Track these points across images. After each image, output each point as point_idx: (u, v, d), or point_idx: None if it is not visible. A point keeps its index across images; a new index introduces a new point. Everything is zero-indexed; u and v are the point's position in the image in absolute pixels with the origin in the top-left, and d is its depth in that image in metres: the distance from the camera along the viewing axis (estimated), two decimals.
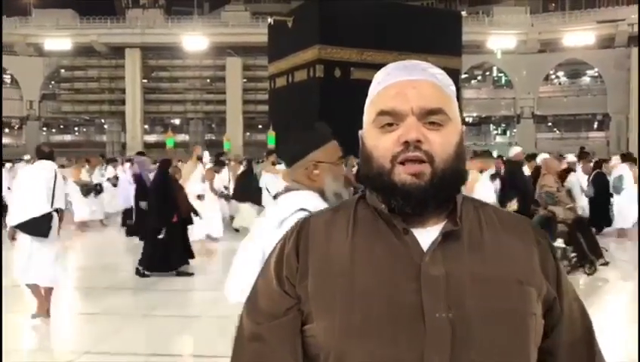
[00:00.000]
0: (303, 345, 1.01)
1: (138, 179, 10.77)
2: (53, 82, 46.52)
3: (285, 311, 1.02)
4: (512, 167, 8.60)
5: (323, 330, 0.97)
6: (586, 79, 46.75)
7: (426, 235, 1.00)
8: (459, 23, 28.60)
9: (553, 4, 46.16)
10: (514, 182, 8.01)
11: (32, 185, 5.49)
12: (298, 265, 1.03)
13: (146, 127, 47.74)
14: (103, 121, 48.33)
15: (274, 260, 1.07)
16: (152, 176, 11.21)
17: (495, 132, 48.79)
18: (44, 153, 5.90)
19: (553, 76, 46.84)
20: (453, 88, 1.08)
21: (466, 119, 42.78)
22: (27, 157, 16.83)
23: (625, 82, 41.28)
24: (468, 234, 1.01)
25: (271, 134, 24.55)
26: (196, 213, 8.83)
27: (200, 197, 9.83)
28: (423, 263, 0.96)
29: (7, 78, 45.88)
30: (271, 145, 23.74)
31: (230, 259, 2.31)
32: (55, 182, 5.69)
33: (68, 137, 48.67)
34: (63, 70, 45.78)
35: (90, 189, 12.38)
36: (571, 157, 11.77)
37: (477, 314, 0.94)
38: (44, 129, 47.69)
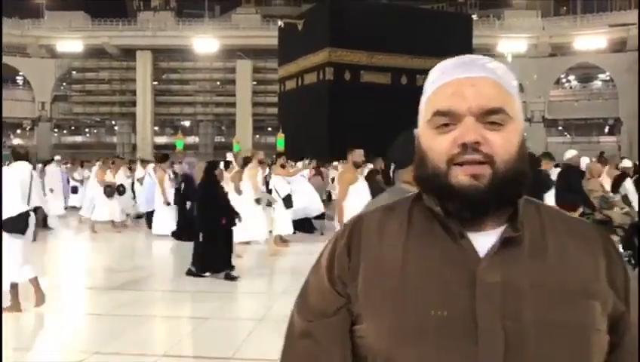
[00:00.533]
0: (352, 346, 0.99)
1: (187, 179, 10.92)
2: (64, 84, 46.82)
3: (335, 311, 1.00)
4: (568, 171, 8.28)
5: (372, 333, 0.95)
6: (597, 83, 46.51)
7: (484, 240, 0.94)
8: (469, 27, 28.63)
9: (565, 8, 45.95)
10: (571, 185, 7.78)
11: (7, 186, 5.66)
12: (349, 264, 1.00)
13: (156, 128, 47.93)
14: (113, 122, 48.59)
15: (326, 258, 1.05)
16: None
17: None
18: (19, 155, 6.28)
19: (564, 80, 46.62)
20: (515, 83, 1.02)
21: None
22: (58, 157, 16.88)
23: (636, 86, 41.01)
24: (529, 240, 0.96)
25: (280, 137, 24.63)
26: (239, 217, 8.79)
27: (258, 201, 9.67)
28: (479, 269, 0.92)
29: (19, 80, 46.29)
30: (280, 147, 23.79)
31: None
32: (31, 182, 6.03)
33: (79, 138, 48.99)
34: (74, 72, 46.06)
35: (114, 190, 12.45)
36: (627, 163, 11.54)
37: (534, 325, 0.89)
38: (56, 130, 48.00)
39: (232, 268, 7.85)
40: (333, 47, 24.39)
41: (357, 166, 7.18)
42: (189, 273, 7.84)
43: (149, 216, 12.88)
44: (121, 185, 12.99)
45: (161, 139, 47.24)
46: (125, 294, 6.96)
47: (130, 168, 16.55)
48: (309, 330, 1.02)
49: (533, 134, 43.57)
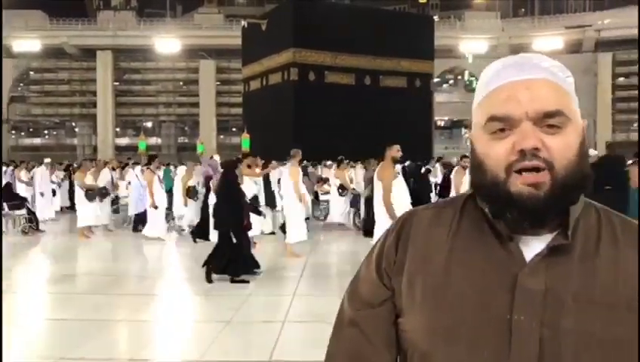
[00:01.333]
0: (397, 338, 1.02)
1: (208, 181, 10.86)
2: (22, 84, 45.69)
3: (381, 302, 1.02)
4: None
5: (411, 327, 0.97)
6: None
7: (533, 245, 0.92)
8: (431, 28, 28.98)
9: (523, 9, 46.99)
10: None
11: None
12: (396, 258, 1.01)
13: (118, 130, 47.17)
14: (73, 124, 47.60)
15: (377, 251, 1.06)
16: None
17: (466, 135, 49.36)
18: None
19: None
20: (571, 80, 0.99)
21: (438, 123, 43.24)
22: (47, 160, 16.31)
23: (592, 87, 42.20)
24: (582, 247, 0.92)
25: (245, 137, 24.53)
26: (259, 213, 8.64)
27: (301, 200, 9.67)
28: (521, 274, 0.90)
29: None
30: (245, 148, 23.69)
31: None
32: None
33: (37, 141, 47.81)
34: (32, 72, 45.03)
35: (96, 194, 11.96)
36: (592, 152, 11.92)
37: (572, 336, 0.86)
38: (13, 132, 46.80)
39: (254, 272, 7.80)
40: (297, 48, 24.41)
41: (395, 161, 7.27)
42: (209, 277, 7.54)
43: (137, 219, 12.58)
44: (104, 187, 12.57)
45: (123, 141, 46.54)
46: (91, 299, 6.86)
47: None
48: (356, 319, 1.05)
49: None
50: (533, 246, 0.91)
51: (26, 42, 42.41)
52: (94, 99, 44.73)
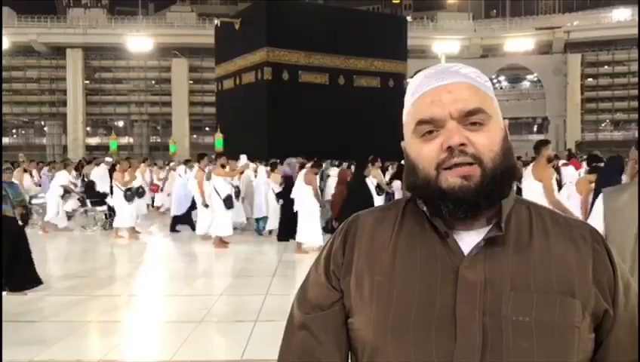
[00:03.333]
0: (348, 338, 1.05)
1: (288, 180, 10.92)
2: (1, 82, 44.78)
3: (330, 304, 1.05)
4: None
5: (360, 324, 1.00)
6: (526, 84, 48.41)
7: (471, 239, 0.97)
8: (404, 28, 29.13)
9: (494, 11, 47.59)
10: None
11: None
12: (344, 260, 1.05)
13: (89, 129, 46.54)
14: (43, 123, 46.80)
15: (324, 254, 1.10)
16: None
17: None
18: None
19: (495, 81, 48.23)
20: (489, 84, 1.05)
21: None
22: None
23: (562, 87, 42.95)
24: (515, 239, 0.98)
25: (219, 137, 24.36)
26: None
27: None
28: (462, 267, 0.95)
29: None
30: (219, 147, 23.53)
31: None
32: None
33: (5, 140, 46.82)
34: None
35: (134, 193, 11.65)
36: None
37: (511, 323, 0.91)
38: None
39: None
40: (270, 47, 24.31)
41: (549, 160, 7.23)
42: None
43: (177, 219, 12.36)
44: (140, 187, 12.30)
45: (94, 140, 45.96)
46: (59, 300, 6.74)
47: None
48: (306, 322, 1.07)
49: None
50: (470, 241, 0.97)
51: None
52: (64, 97, 44.02)
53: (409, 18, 35.09)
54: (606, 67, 44.42)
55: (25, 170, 13.40)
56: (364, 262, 1.02)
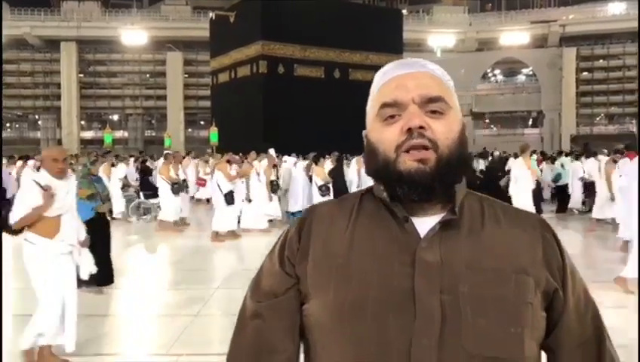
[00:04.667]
0: (301, 325, 1.05)
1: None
2: (1, 78, 44.53)
3: (285, 291, 1.06)
4: None
5: (317, 308, 1.01)
6: (521, 77, 48.42)
7: (426, 224, 1.01)
8: (400, 22, 29.08)
9: (490, 4, 47.55)
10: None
11: None
12: (299, 246, 1.06)
13: (83, 123, 46.37)
14: (37, 117, 46.59)
15: (279, 244, 1.11)
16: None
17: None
18: None
19: (490, 74, 48.28)
20: (452, 84, 1.10)
21: None
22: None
23: (557, 81, 42.99)
24: (468, 224, 1.03)
25: (214, 131, 24.26)
26: None
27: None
28: (419, 249, 0.98)
29: None
30: (214, 141, 23.47)
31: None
32: None
33: None
34: None
35: (181, 187, 11.62)
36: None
37: (469, 299, 0.95)
38: None
39: None
40: (266, 40, 24.25)
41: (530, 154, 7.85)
42: None
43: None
44: (184, 180, 12.30)
45: (88, 134, 45.79)
46: None
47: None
48: (258, 311, 1.08)
49: None
50: (426, 225, 1.01)
51: None
52: (58, 91, 43.81)
53: (404, 11, 34.99)
54: (601, 61, 44.46)
55: (112, 165, 13.42)
56: (322, 248, 1.04)
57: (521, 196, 9.51)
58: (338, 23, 24.72)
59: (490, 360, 0.94)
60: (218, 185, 10.40)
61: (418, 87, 1.02)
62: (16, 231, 4.36)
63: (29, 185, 4.31)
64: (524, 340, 0.96)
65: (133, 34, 41.88)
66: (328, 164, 12.71)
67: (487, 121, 48.58)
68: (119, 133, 43.74)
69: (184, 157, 15.08)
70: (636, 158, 6.96)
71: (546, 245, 1.04)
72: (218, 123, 24.43)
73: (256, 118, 23.44)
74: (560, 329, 1.03)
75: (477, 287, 0.96)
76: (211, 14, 28.69)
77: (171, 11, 44.12)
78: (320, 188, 11.40)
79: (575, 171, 13.86)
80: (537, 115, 46.01)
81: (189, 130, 45.35)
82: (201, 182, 15.07)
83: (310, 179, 12.04)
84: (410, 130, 0.98)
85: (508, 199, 10.02)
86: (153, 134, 45.68)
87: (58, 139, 43.95)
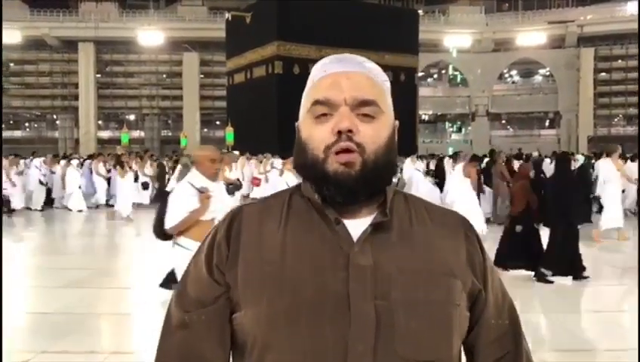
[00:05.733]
0: (231, 334, 1.02)
1: (538, 167, 10.98)
2: (2, 76, 45.00)
3: (213, 300, 1.01)
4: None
5: (250, 318, 0.97)
6: (538, 78, 48.01)
7: (358, 226, 1.00)
8: (416, 22, 29.01)
9: (507, 5, 47.19)
10: None
11: None
12: (228, 252, 1.02)
13: (100, 122, 46.74)
14: (55, 116, 47.06)
15: (205, 249, 1.06)
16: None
17: (450, 129, 49.60)
18: None
19: (507, 75, 47.92)
20: (388, 84, 1.09)
21: (422, 117, 43.36)
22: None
23: (574, 82, 42.58)
24: (398, 226, 1.03)
25: (229, 131, 24.39)
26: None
27: None
28: (352, 253, 0.97)
29: None
30: (230, 141, 23.58)
31: None
32: None
33: (18, 133, 47.09)
34: (12, 64, 44.36)
35: (237, 187, 11.58)
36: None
37: (401, 304, 0.95)
38: None
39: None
40: (281, 41, 24.33)
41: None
42: (539, 277, 7.04)
43: None
44: (238, 179, 12.37)
45: (105, 134, 46.14)
46: (72, 292, 6.80)
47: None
48: (186, 320, 1.03)
49: (477, 128, 44.72)
50: (356, 228, 1.00)
51: (6, 33, 41.71)
52: (76, 91, 44.21)
53: (420, 12, 34.91)
54: (619, 61, 43.93)
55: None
56: (252, 253, 1.00)
57: (610, 197, 9.64)
58: (354, 23, 24.70)
59: None
60: (287, 185, 10.45)
61: (352, 89, 1.01)
62: (166, 236, 4.16)
63: (184, 188, 4.09)
64: (453, 342, 0.99)
65: (150, 34, 42.18)
66: None
67: (503, 121, 48.23)
68: (136, 133, 44.07)
69: (239, 157, 15.28)
70: None
71: (468, 244, 1.06)
72: (234, 123, 24.54)
73: (271, 118, 23.52)
74: (480, 326, 1.06)
75: (409, 291, 0.96)
76: (227, 15, 28.83)
77: (188, 12, 44.35)
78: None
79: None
80: (554, 115, 45.61)
81: (205, 130, 45.54)
82: (256, 182, 15.18)
83: None
84: (339, 133, 0.98)
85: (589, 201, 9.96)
86: (169, 134, 45.95)
87: (76, 139, 44.43)
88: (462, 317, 1.01)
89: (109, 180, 16.26)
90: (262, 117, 24.09)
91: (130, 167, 14.83)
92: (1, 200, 11.67)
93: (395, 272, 0.97)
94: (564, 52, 43.01)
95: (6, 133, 46.18)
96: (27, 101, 44.75)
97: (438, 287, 0.98)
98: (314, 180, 1.02)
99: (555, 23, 42.74)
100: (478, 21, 44.44)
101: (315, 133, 1.01)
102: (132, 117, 47.40)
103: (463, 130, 48.34)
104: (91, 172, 16.38)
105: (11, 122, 48.10)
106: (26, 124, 49.09)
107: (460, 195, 9.56)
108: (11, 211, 13.89)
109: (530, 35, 42.98)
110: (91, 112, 44.20)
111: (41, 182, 15.56)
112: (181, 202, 4.03)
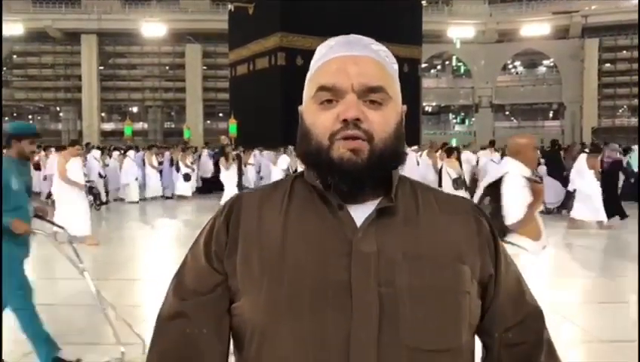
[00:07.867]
0: (231, 325, 0.99)
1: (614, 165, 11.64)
2: (5, 68, 45.04)
3: (212, 288, 0.99)
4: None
5: (249, 306, 0.95)
6: (542, 69, 47.78)
7: (361, 212, 0.98)
8: (419, 13, 28.85)
9: None
10: None
11: None
12: (227, 240, 1.00)
13: (103, 115, 46.76)
14: (58, 108, 47.11)
15: (204, 238, 1.04)
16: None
17: (454, 121, 49.43)
18: None
19: (510, 66, 47.71)
20: (396, 67, 1.07)
21: (426, 108, 43.25)
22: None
23: (579, 73, 42.39)
24: (404, 211, 1.00)
25: (232, 123, 24.35)
26: None
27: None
28: (355, 239, 0.94)
29: None
30: (233, 133, 23.56)
31: None
32: None
33: None
34: (15, 56, 44.38)
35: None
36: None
37: (406, 291, 0.92)
38: None
39: None
40: (284, 32, 24.23)
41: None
42: None
43: None
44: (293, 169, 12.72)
45: (109, 126, 46.19)
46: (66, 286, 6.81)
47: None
48: (183, 310, 1.01)
49: (481, 119, 44.57)
50: (360, 214, 0.97)
51: (9, 25, 41.70)
52: (79, 83, 44.21)
53: (424, 2, 34.65)
54: (624, 52, 43.66)
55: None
56: (252, 240, 0.98)
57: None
58: (357, 14, 24.55)
59: (429, 353, 0.92)
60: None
61: (359, 75, 0.97)
62: (505, 233, 3.74)
63: (516, 180, 3.71)
64: (462, 330, 0.96)
65: (153, 26, 42.12)
66: None
67: (507, 112, 48.06)
68: (139, 125, 44.04)
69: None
70: None
71: (479, 229, 1.03)
72: (237, 115, 24.50)
73: (274, 110, 23.46)
74: (495, 312, 1.03)
75: (415, 278, 0.93)
76: (230, 6, 28.73)
77: (190, 4, 44.23)
78: (455, 181, 9.97)
79: None
80: (558, 107, 45.43)
81: (208, 121, 45.53)
82: None
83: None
84: (345, 121, 0.95)
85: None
86: (172, 126, 45.95)
87: (79, 131, 44.45)
88: (472, 305, 0.98)
89: (161, 172, 16.64)
90: (265, 108, 24.04)
91: (234, 159, 14.61)
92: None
93: (400, 258, 0.94)
94: (569, 43, 42.78)
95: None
96: (30, 93, 44.78)
97: (446, 273, 0.96)
98: (318, 168, 0.99)
99: (559, 13, 42.48)
100: (482, 12, 44.20)
101: (319, 120, 0.98)
102: (135, 109, 47.40)
103: (467, 121, 48.17)
104: (144, 163, 16.56)
105: (14, 114, 48.13)
106: (29, 117, 49.11)
107: (587, 186, 10.11)
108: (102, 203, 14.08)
109: (534, 26, 42.75)
110: (94, 104, 44.21)
111: (100, 175, 15.44)
112: (517, 197, 3.67)
